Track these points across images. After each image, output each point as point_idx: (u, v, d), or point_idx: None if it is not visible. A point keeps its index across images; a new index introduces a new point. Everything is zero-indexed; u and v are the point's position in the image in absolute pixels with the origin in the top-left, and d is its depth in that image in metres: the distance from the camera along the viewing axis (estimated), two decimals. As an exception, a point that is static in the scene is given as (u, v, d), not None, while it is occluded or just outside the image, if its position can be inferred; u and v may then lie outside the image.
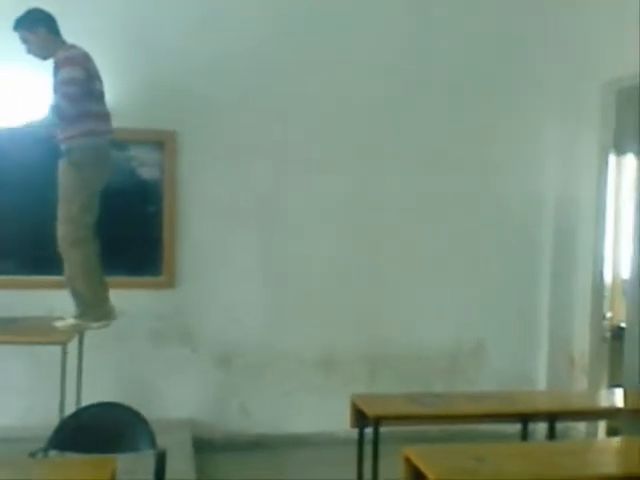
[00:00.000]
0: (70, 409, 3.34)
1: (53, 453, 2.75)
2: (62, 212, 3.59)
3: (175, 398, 4.55)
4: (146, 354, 4.53)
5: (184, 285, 4.57)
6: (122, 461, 2.53)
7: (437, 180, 4.79)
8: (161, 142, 4.50)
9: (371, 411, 3.26)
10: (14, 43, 3.55)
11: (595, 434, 4.52)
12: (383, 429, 3.26)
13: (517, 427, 3.56)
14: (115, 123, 4.32)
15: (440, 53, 4.77)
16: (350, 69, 4.64)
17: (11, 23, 3.56)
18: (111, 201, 4.42)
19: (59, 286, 4.32)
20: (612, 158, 4.55)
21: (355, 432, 3.48)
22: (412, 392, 3.74)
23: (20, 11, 3.55)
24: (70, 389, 3.86)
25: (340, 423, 3.79)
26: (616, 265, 4.61)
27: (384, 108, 4.72)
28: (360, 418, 3.39)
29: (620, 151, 4.56)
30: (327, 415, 4.45)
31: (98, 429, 2.80)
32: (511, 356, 4.92)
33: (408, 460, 2.52)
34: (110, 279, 4.42)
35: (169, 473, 2.80)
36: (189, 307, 4.57)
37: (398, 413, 3.32)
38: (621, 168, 4.59)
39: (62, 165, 3.59)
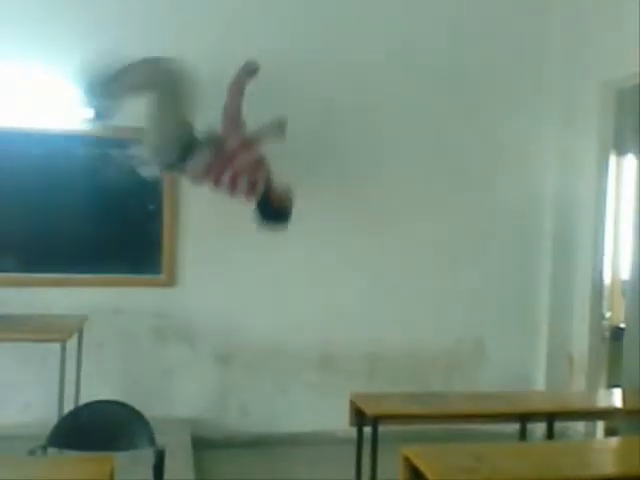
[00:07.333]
0: (69, 407, 3.34)
1: (52, 451, 2.75)
2: None
3: (175, 396, 4.55)
4: (146, 352, 4.53)
5: (184, 283, 4.56)
6: (121, 459, 2.53)
7: (438, 180, 4.79)
8: (161, 140, 4.48)
9: (370, 410, 3.25)
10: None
11: (593, 434, 4.52)
12: (382, 428, 3.26)
13: (515, 427, 3.56)
14: (116, 121, 4.34)
15: (439, 53, 4.76)
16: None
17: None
18: (111, 200, 4.47)
19: (56, 284, 4.35)
20: (612, 158, 4.55)
21: (354, 431, 3.48)
22: (411, 391, 3.74)
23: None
24: (69, 387, 3.87)
25: (339, 422, 3.80)
26: (615, 265, 4.61)
27: (382, 107, 4.73)
28: (359, 417, 3.39)
29: (620, 151, 4.56)
30: (326, 414, 4.47)
31: (97, 427, 2.79)
32: (510, 356, 4.92)
33: (407, 459, 2.52)
34: (110, 277, 4.47)
35: (168, 471, 2.80)
36: (189, 305, 4.56)
37: (397, 412, 3.32)
38: (621, 168, 4.59)
39: None
